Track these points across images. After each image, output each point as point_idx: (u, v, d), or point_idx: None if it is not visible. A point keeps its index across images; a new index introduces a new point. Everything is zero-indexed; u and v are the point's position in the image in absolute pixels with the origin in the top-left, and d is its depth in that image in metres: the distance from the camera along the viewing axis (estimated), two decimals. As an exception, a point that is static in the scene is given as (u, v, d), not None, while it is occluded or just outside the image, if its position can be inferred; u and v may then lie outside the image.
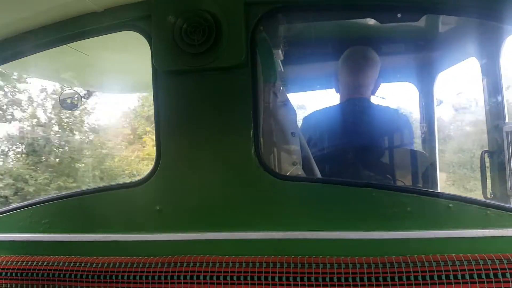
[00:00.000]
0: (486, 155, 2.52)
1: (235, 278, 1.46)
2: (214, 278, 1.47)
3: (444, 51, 2.92)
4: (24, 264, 1.67)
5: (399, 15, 1.76)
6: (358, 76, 2.54)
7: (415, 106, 3.24)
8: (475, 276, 1.32)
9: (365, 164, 2.34)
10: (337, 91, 2.66)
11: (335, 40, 2.68)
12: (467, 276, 1.32)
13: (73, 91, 2.88)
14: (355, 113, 2.53)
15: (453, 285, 1.32)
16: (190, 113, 1.63)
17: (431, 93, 3.16)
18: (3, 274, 1.68)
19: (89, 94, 3.03)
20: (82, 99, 2.88)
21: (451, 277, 1.33)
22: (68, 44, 1.92)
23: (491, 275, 1.32)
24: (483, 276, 1.32)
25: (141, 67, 1.97)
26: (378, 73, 2.56)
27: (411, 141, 2.60)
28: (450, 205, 1.46)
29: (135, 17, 1.67)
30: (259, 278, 1.44)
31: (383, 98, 2.76)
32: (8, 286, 1.67)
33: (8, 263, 1.69)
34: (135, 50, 1.96)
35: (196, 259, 1.53)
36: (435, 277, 1.33)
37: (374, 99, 2.65)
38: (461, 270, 1.33)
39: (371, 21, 2.48)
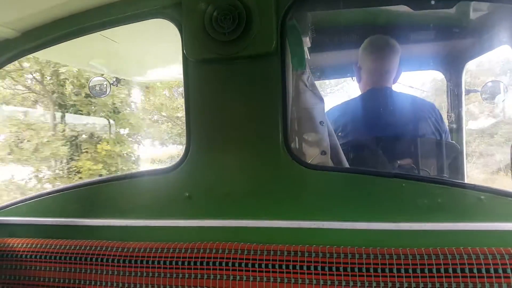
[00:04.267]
0: None
1: (263, 265, 1.47)
2: (243, 265, 1.49)
3: (474, 39, 2.84)
4: (57, 247, 1.73)
5: (433, 2, 1.72)
6: (382, 64, 2.51)
7: (443, 94, 3.19)
8: (508, 271, 1.30)
9: (393, 155, 2.31)
10: (359, 81, 2.63)
11: (362, 27, 2.64)
12: (500, 270, 1.30)
13: (102, 78, 2.93)
14: (380, 103, 2.50)
15: (485, 278, 1.30)
16: (220, 101, 1.64)
17: (460, 81, 3.09)
18: (38, 256, 1.74)
19: (117, 81, 3.08)
20: (111, 86, 2.94)
21: (483, 270, 1.31)
22: (99, 32, 1.95)
23: None
24: None
25: (171, 55, 1.99)
26: (399, 61, 2.52)
27: (444, 128, 2.55)
28: (482, 197, 1.43)
29: (166, 5, 1.68)
30: (287, 267, 1.45)
31: (410, 87, 2.73)
32: (42, 268, 1.73)
33: (42, 246, 1.75)
34: (165, 38, 1.97)
35: (225, 246, 1.55)
36: (466, 270, 1.32)
37: (398, 88, 2.62)
38: (493, 264, 1.31)
39: (400, 8, 2.44)
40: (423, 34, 2.82)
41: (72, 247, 1.72)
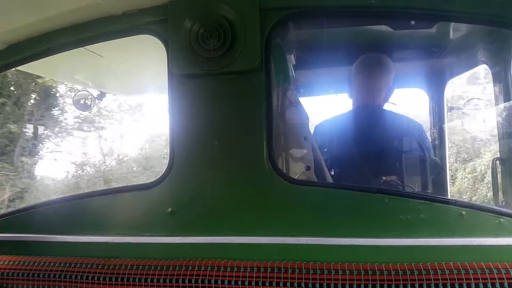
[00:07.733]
0: (497, 162, 2.51)
1: (246, 283, 1.45)
2: (226, 282, 1.47)
3: (455, 58, 2.91)
4: (36, 264, 1.68)
5: (412, 22, 1.77)
6: (373, 81, 2.55)
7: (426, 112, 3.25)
8: (489, 285, 1.31)
9: (377, 171, 2.33)
10: (350, 97, 2.67)
11: (347, 46, 2.69)
12: (481, 285, 1.31)
13: (87, 92, 2.91)
14: (367, 120, 2.53)
15: None
16: (204, 116, 1.64)
17: (442, 99, 3.16)
18: (15, 274, 1.69)
19: (102, 95, 3.06)
20: (96, 100, 2.91)
21: (464, 286, 1.31)
22: (85, 46, 1.95)
23: (506, 285, 1.30)
24: (497, 285, 1.30)
25: (155, 70, 1.99)
26: (392, 81, 2.57)
27: (429, 147, 2.59)
28: (463, 212, 1.45)
29: (152, 21, 1.69)
30: (270, 284, 1.43)
31: (393, 103, 2.77)
32: (20, 287, 1.67)
33: (20, 263, 1.70)
34: (150, 53, 1.98)
35: (208, 263, 1.53)
36: (448, 285, 1.32)
37: (386, 106, 2.66)
38: (474, 279, 1.32)
39: (382, 28, 2.49)
40: (405, 53, 2.89)
41: (52, 264, 1.67)
